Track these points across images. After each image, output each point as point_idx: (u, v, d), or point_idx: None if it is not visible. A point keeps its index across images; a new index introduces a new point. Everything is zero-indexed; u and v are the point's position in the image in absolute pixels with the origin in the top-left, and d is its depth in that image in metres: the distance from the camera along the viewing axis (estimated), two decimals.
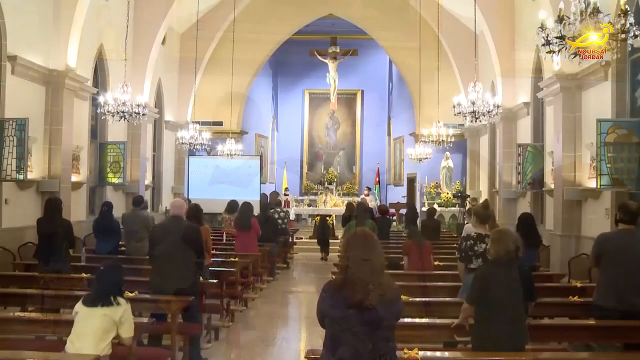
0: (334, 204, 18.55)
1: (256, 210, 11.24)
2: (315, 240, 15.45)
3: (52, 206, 7.06)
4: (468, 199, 14.37)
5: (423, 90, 16.49)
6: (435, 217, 12.47)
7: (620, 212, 4.93)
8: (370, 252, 2.91)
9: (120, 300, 4.07)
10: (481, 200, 15.43)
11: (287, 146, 23.68)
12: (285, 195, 19.82)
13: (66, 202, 10.32)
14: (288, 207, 18.85)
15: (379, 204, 18.52)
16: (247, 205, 9.99)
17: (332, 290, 2.94)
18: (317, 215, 16.69)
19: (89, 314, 3.97)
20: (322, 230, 15.08)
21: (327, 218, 15.73)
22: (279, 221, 12.71)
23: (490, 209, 6.27)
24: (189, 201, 17.81)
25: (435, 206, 16.81)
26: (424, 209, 15.17)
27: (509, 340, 3.94)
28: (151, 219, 8.87)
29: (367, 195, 18.01)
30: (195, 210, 7.38)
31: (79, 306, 4.05)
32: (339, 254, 9.10)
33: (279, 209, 13.20)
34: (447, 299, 5.86)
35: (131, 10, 12.85)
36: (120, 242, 8.83)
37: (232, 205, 11.73)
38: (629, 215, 4.82)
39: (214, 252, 8.13)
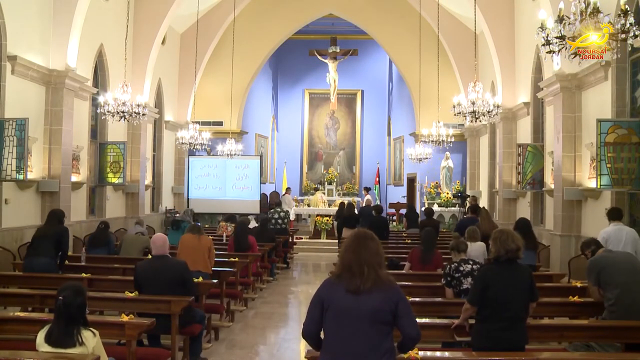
0: (334, 204, 18.53)
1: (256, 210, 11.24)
2: (315, 240, 15.35)
3: (55, 217, 7.15)
4: (468, 198, 14.37)
5: (423, 90, 16.48)
6: (434, 216, 12.46)
7: None
8: (367, 244, 3.03)
9: (86, 335, 3.50)
10: (481, 200, 15.46)
11: (287, 146, 23.71)
12: (287, 194, 19.85)
13: (66, 202, 10.35)
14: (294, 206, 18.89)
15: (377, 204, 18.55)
16: (244, 225, 9.69)
17: (332, 279, 3.07)
18: (323, 216, 16.68)
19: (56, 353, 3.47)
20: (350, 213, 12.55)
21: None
22: (279, 221, 12.75)
23: (461, 239, 6.23)
24: (189, 202, 17.85)
25: (435, 206, 16.83)
26: (424, 209, 15.16)
27: (508, 339, 3.94)
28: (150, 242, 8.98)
29: (367, 195, 17.99)
30: (194, 220, 7.41)
31: (41, 343, 3.50)
32: (338, 254, 9.08)
33: (279, 209, 13.22)
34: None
35: (131, 10, 12.86)
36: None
37: (230, 216, 11.84)
38: None
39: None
